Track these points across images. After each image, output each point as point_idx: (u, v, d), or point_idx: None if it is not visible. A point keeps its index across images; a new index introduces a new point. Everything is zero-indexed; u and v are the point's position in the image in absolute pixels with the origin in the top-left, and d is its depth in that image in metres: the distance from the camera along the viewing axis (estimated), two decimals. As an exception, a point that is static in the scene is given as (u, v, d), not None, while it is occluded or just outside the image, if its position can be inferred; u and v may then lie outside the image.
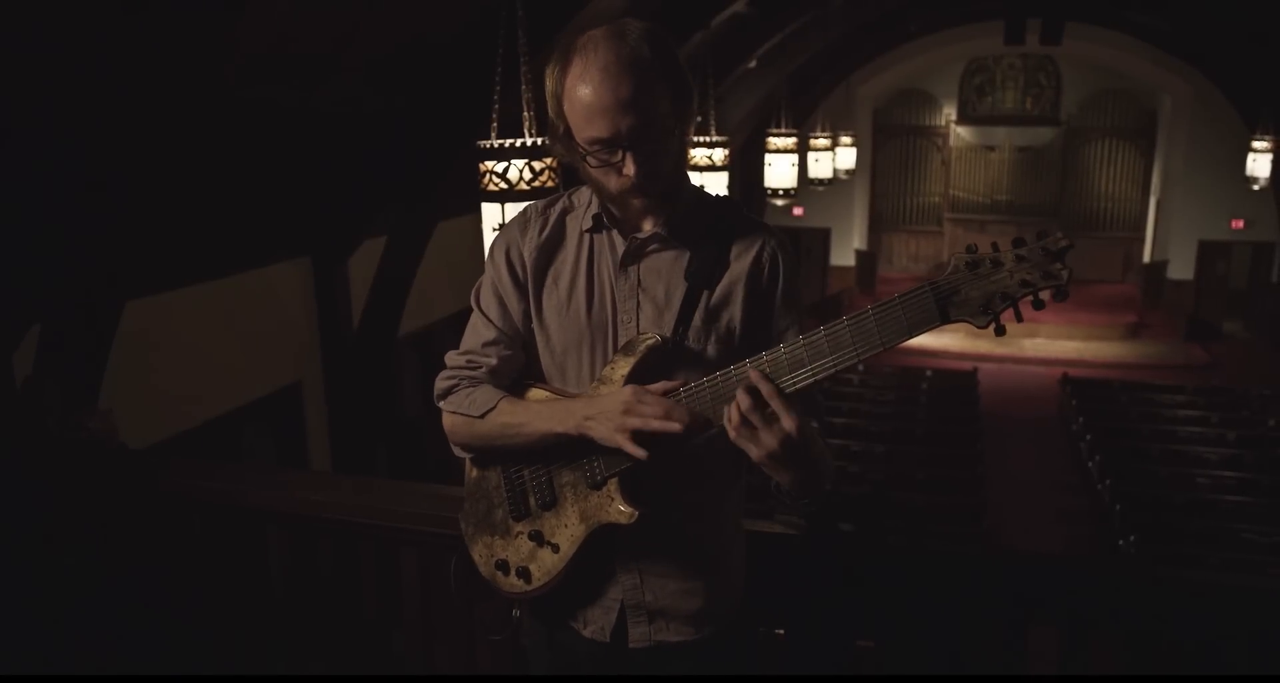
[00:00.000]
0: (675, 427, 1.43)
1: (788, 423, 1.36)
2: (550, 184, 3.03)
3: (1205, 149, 14.88)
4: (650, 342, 1.54)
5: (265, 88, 4.15)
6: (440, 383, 1.70)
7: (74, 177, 3.23)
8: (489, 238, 3.05)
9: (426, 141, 5.44)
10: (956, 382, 11.49)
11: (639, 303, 1.59)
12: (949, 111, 17.62)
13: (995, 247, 1.30)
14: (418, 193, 5.86)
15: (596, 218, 1.61)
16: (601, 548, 1.61)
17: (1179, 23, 11.93)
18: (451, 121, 5.22)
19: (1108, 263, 17.34)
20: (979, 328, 1.31)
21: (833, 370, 1.39)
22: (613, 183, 1.50)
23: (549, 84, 1.48)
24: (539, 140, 2.98)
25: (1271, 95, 11.35)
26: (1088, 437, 9.35)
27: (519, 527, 1.67)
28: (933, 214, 18.01)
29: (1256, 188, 11.18)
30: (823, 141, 10.42)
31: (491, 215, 3.05)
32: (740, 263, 1.59)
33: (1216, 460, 8.81)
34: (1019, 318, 1.30)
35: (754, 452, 1.39)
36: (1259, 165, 10.85)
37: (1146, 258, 16.51)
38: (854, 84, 15.83)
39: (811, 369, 1.39)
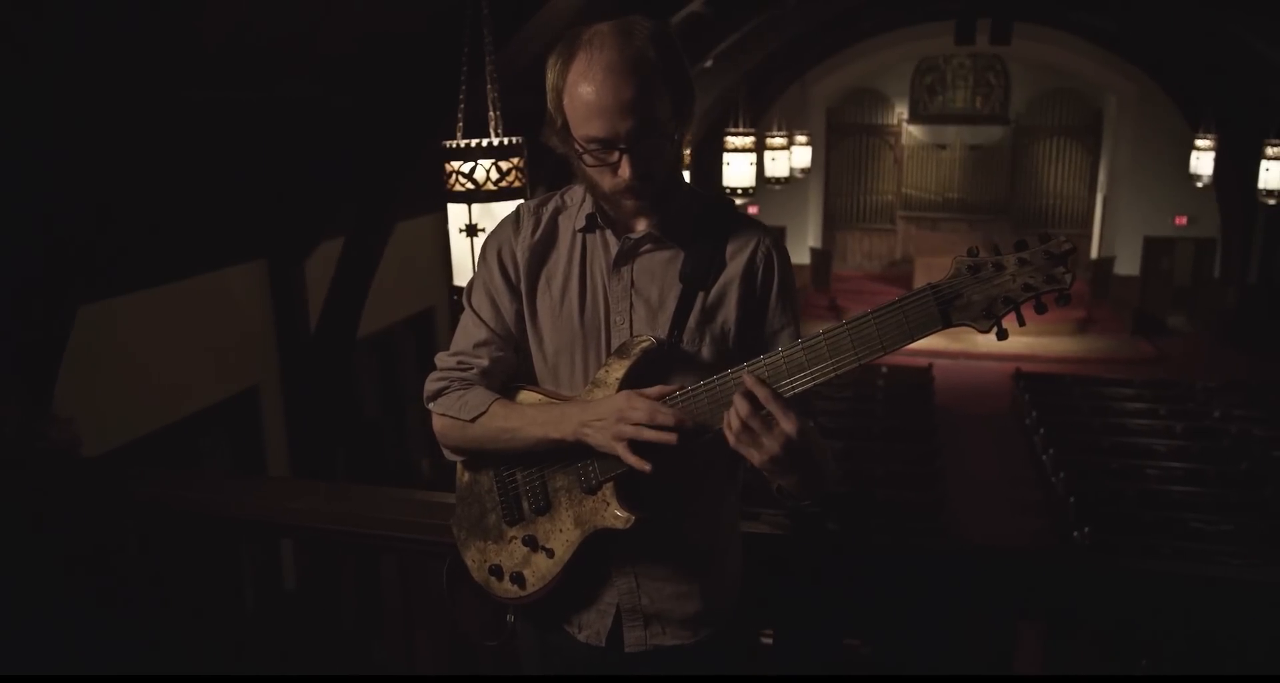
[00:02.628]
0: (669, 438, 1.40)
1: (788, 426, 1.33)
2: (517, 184, 2.98)
3: (1150, 147, 15.21)
4: (645, 344, 1.51)
5: (222, 86, 4.06)
6: (430, 384, 1.66)
7: (23, 180, 3.13)
8: (455, 239, 3.00)
9: (386, 140, 5.36)
10: (912, 378, 11.60)
11: (632, 304, 1.56)
12: (901, 110, 17.79)
13: (997, 249, 1.29)
14: (377, 193, 5.77)
15: (590, 217, 1.59)
16: (597, 552, 1.59)
17: (1124, 24, 12.19)
18: (412, 120, 5.16)
19: (1056, 259, 17.62)
20: (981, 332, 1.30)
21: (832, 374, 1.37)
22: (607, 182, 1.48)
23: (550, 77, 1.45)
24: (506, 140, 2.94)
25: (1213, 95, 11.64)
26: (1041, 431, 9.52)
27: (512, 532, 1.64)
28: (886, 212, 18.16)
29: (1199, 185, 11.45)
30: (779, 141, 10.44)
31: (458, 216, 2.99)
32: (735, 263, 1.57)
33: (1165, 452, 9.02)
34: (1021, 322, 1.29)
35: (755, 457, 1.36)
36: (1202, 163, 11.13)
37: (1094, 254, 16.81)
38: (807, 83, 15.97)
39: (810, 373, 1.37)
